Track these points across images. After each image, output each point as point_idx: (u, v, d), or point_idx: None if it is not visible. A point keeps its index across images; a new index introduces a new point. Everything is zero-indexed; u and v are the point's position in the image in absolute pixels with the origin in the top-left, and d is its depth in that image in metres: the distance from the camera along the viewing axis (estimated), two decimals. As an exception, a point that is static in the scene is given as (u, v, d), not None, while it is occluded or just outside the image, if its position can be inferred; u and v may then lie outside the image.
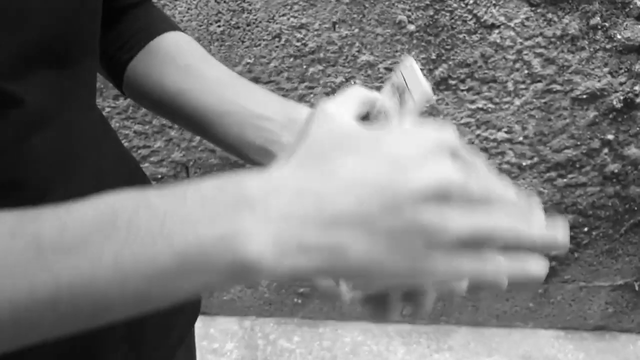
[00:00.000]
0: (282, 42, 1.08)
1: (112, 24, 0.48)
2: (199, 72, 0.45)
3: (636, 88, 1.11)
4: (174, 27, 0.50)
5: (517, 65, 1.10)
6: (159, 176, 1.29)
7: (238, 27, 1.06)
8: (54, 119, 0.35)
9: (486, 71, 1.11)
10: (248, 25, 1.06)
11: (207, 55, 0.47)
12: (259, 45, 1.08)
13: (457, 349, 1.48)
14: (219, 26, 1.06)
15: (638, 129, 1.16)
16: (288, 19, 1.05)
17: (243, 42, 1.08)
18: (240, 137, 0.41)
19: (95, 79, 0.43)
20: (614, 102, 1.13)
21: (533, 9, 1.03)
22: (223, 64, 0.47)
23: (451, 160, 0.27)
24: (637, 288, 1.40)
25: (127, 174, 0.50)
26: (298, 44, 1.08)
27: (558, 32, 1.05)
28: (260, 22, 1.06)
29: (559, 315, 1.49)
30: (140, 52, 0.47)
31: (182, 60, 0.46)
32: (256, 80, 1.13)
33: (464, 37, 1.07)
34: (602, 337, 1.49)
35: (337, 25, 1.06)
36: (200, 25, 1.06)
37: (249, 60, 1.10)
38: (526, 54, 1.08)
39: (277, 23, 1.05)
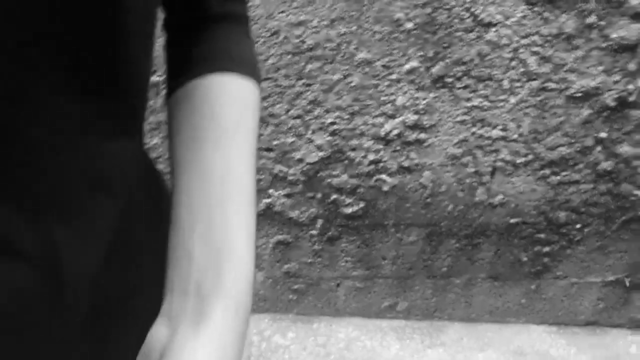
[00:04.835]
0: (281, 39, 1.07)
1: (184, 38, 0.42)
2: (200, 147, 0.37)
3: (630, 87, 1.12)
4: (234, 67, 0.40)
5: (513, 64, 1.11)
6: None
7: (236, 24, 1.06)
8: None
9: (482, 69, 1.11)
10: (246, 21, 1.06)
11: (237, 124, 0.38)
12: (257, 41, 1.08)
13: (450, 344, 1.49)
14: (216, 22, 1.06)
15: (631, 127, 1.18)
16: (287, 16, 1.05)
17: (240, 38, 1.08)
18: (169, 254, 0.36)
19: (124, 113, 0.35)
20: (608, 101, 1.14)
21: (530, 7, 1.04)
22: (247, 143, 0.38)
23: None
24: (627, 284, 1.42)
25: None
26: (296, 41, 1.08)
27: (554, 31, 1.06)
28: (259, 18, 1.05)
29: (551, 311, 1.51)
30: (182, 87, 0.40)
31: (197, 121, 0.38)
32: (253, 76, 1.13)
33: (461, 35, 1.07)
34: (593, 332, 1.51)
35: (335, 23, 1.06)
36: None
37: (246, 57, 1.10)
38: (522, 53, 1.09)
39: (275, 20, 1.05)
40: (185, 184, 0.36)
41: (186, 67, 0.40)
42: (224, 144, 0.37)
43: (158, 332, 0.34)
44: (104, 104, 0.31)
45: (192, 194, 0.36)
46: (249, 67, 0.41)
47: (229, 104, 0.39)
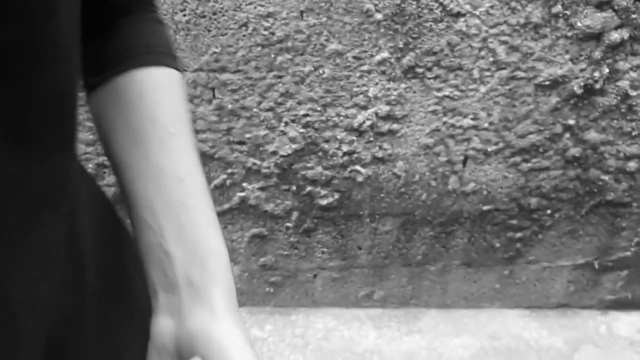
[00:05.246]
0: (250, 31, 1.06)
1: (98, 32, 0.41)
2: (146, 150, 0.37)
3: (596, 74, 1.14)
4: (159, 59, 0.40)
5: (483, 53, 1.12)
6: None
7: (204, 16, 1.04)
8: None
9: (452, 59, 1.12)
10: (214, 14, 1.04)
11: (175, 119, 0.39)
12: (226, 34, 1.07)
13: (427, 330, 1.51)
14: (184, 15, 1.04)
15: (597, 114, 1.20)
16: (255, 7, 1.04)
17: (209, 31, 1.06)
18: (143, 256, 0.37)
19: (51, 126, 0.31)
20: (575, 88, 1.16)
21: (497, -3, 1.05)
22: (189, 136, 0.39)
23: None
24: (596, 267, 1.46)
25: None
26: (265, 32, 1.07)
27: (522, 20, 1.07)
28: (226, 10, 1.04)
29: (524, 295, 1.54)
30: (106, 84, 0.39)
31: (137, 123, 0.37)
32: (223, 69, 1.11)
33: (431, 25, 1.08)
34: (564, 314, 1.55)
35: (304, 14, 1.05)
36: (165, 15, 1.04)
37: (215, 50, 1.09)
38: (491, 42, 1.10)
39: (243, 12, 1.04)
40: (141, 190, 0.37)
41: (108, 62, 0.40)
42: (168, 145, 0.38)
43: (164, 325, 0.34)
44: (29, 118, 0.28)
45: (151, 198, 0.36)
46: (170, 57, 0.42)
47: (165, 100, 0.39)
